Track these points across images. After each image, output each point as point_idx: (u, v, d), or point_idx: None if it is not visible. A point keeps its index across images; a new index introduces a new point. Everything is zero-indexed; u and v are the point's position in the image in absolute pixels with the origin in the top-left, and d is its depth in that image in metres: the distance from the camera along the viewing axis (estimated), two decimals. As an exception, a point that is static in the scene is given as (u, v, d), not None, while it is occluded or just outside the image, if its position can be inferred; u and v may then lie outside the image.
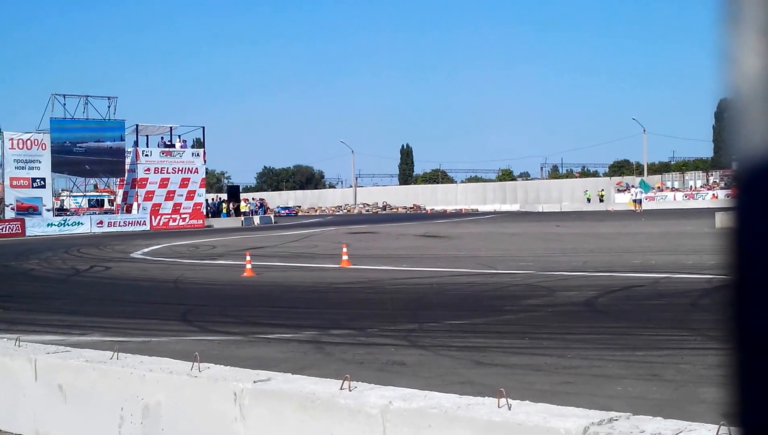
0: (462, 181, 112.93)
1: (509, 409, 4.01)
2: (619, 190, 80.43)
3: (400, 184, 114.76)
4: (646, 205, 68.72)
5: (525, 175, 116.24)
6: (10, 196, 48.74)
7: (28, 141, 49.68)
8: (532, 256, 22.72)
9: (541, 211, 76.03)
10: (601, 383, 7.62)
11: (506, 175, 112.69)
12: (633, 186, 76.92)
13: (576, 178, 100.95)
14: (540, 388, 7.15)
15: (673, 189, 79.14)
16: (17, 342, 6.76)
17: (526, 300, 13.84)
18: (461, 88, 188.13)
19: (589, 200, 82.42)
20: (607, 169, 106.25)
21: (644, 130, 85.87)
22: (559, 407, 4.05)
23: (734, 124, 0.90)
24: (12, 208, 48.58)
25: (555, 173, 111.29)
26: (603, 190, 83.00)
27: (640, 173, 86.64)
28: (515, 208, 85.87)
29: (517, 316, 12.19)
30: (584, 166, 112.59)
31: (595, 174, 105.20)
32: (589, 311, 12.52)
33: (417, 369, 8.42)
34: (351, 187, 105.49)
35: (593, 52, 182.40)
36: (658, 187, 79.81)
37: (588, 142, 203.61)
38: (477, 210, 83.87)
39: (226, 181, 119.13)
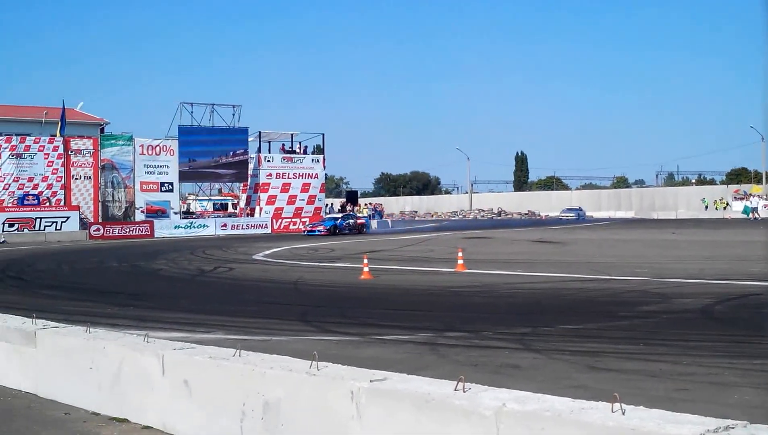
0: (576, 188, 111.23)
1: (623, 414, 3.99)
2: (736, 198, 77.76)
3: (515, 190, 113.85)
4: (765, 214, 66.28)
5: (640, 183, 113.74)
6: (140, 200, 50.76)
7: (158, 147, 51.64)
8: (646, 263, 22.28)
9: (656, 218, 74.21)
10: (717, 391, 7.45)
11: (621, 182, 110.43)
12: (751, 195, 74.23)
13: (692, 185, 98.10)
14: (655, 394, 7.05)
15: (793, 197, 75.75)
16: (146, 338, 7.06)
17: (640, 306, 13.61)
18: (576, 95, 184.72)
19: (706, 208, 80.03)
20: (724, 177, 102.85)
21: (762, 138, 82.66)
22: (674, 414, 3.99)
23: None
24: (142, 211, 50.59)
25: (671, 181, 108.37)
26: (723, 198, 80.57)
27: (759, 181, 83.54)
28: (630, 215, 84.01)
29: (632, 322, 12.02)
30: (700, 174, 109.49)
31: (712, 181, 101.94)
32: (705, 319, 12.23)
33: (530, 372, 8.40)
34: (466, 193, 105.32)
35: (710, 58, 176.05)
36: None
37: (705, 149, 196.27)
38: (591, 216, 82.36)
39: (344, 186, 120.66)
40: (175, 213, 52.30)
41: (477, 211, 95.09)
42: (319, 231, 46.89)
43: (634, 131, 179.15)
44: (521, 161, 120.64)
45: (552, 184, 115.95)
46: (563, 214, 78.35)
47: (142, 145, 51.09)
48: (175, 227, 50.21)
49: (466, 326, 11.87)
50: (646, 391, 7.26)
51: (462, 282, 18.51)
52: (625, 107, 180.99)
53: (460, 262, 21.45)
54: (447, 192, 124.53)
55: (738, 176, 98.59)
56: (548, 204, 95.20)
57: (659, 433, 3.75)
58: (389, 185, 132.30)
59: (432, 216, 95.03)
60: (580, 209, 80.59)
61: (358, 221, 50.38)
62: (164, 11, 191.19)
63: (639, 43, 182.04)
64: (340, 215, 51.66)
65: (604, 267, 21.28)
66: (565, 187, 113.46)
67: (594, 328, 11.51)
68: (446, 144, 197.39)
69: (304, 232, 48.98)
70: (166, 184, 51.73)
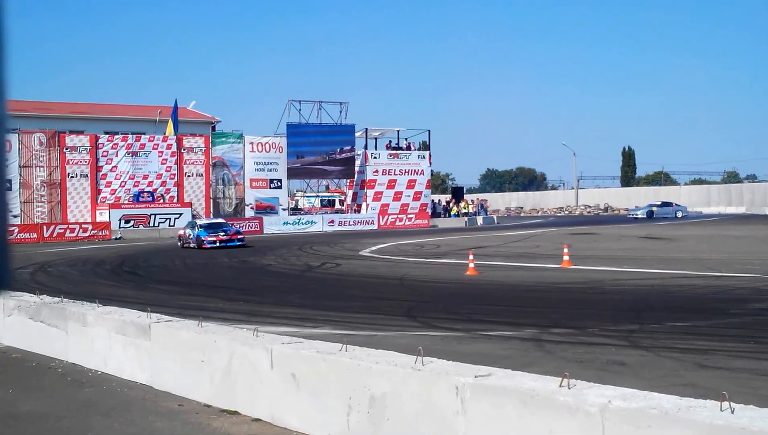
0: (685, 184, 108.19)
1: (732, 412, 3.93)
2: None
3: (622, 185, 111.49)
4: None
5: (752, 177, 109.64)
6: (250, 196, 51.92)
7: (267, 144, 52.71)
8: (758, 260, 21.66)
9: (768, 214, 71.33)
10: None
11: (732, 177, 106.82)
12: None
13: None
14: (765, 393, 6.87)
15: None
16: (255, 332, 7.25)
17: (752, 303, 13.27)
18: (685, 88, 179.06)
19: None
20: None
21: None
22: (785, 413, 3.91)
23: None
24: (252, 208, 51.74)
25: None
26: None
27: None
28: (741, 210, 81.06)
29: (743, 320, 11.73)
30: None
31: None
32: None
33: (637, 369, 8.29)
34: (572, 188, 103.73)
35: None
36: None
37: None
38: (701, 212, 79.87)
39: (450, 182, 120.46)
40: (284, 209, 53.27)
41: (583, 207, 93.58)
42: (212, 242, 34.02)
43: (744, 124, 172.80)
44: (628, 156, 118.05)
45: (660, 179, 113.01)
46: (631, 213, 68.68)
47: (251, 143, 52.22)
48: (284, 223, 51.09)
49: (572, 323, 11.77)
50: (757, 389, 7.09)
51: (568, 278, 18.33)
52: (735, 100, 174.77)
53: (566, 258, 21.23)
54: (553, 188, 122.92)
55: None
56: (656, 200, 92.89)
57: (770, 432, 3.68)
58: (495, 181, 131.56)
59: (537, 212, 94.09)
60: (665, 205, 69.45)
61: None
62: (271, 11, 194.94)
63: (746, 34, 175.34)
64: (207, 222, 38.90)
65: (714, 263, 20.83)
66: (674, 183, 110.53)
67: (703, 326, 11.28)
68: (552, 139, 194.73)
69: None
70: (274, 181, 52.75)
